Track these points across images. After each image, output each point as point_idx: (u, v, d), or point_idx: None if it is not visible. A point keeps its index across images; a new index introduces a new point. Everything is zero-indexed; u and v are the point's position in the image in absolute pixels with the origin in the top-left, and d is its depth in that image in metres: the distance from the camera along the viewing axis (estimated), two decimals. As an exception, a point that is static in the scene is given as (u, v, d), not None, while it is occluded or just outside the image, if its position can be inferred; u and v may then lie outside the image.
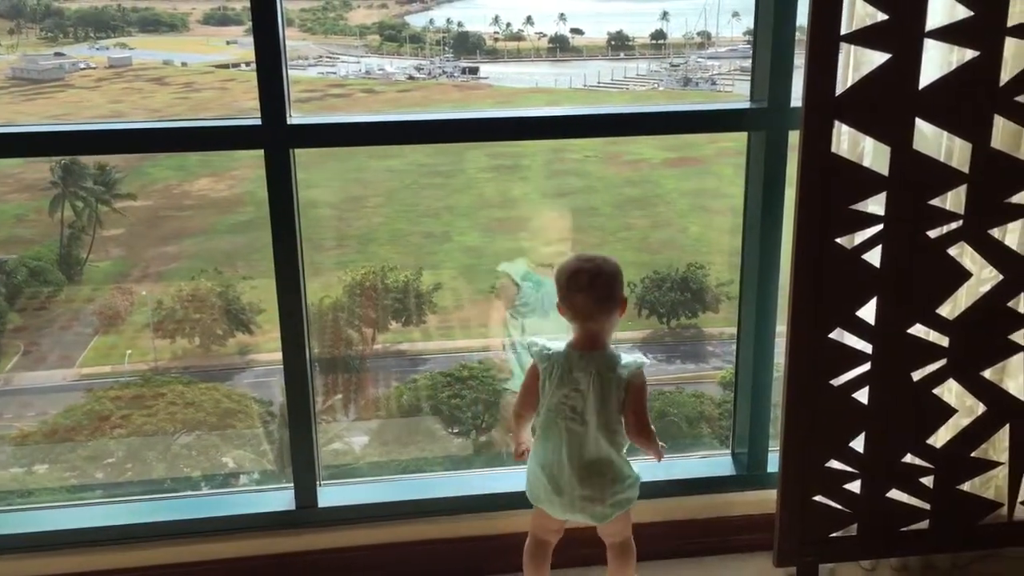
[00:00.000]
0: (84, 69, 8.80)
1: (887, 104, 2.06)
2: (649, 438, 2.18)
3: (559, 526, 2.27)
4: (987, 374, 2.29)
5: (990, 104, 2.09)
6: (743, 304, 2.49)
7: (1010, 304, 2.23)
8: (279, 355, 2.36)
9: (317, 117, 2.29)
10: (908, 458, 2.31)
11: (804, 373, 2.20)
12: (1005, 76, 2.09)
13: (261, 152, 2.19)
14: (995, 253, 2.19)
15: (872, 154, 2.16)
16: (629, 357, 2.17)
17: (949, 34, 2.05)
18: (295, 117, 2.20)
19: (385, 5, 9.48)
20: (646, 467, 2.30)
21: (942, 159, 2.15)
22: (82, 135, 2.28)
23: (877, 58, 2.04)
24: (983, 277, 2.24)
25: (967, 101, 2.08)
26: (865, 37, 2.04)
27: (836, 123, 2.08)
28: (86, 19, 8.95)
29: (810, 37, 2.01)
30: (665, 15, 9.29)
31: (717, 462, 2.62)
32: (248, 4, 2.08)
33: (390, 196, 8.64)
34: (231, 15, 8.84)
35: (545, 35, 9.43)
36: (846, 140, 2.15)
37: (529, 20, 9.39)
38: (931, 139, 2.15)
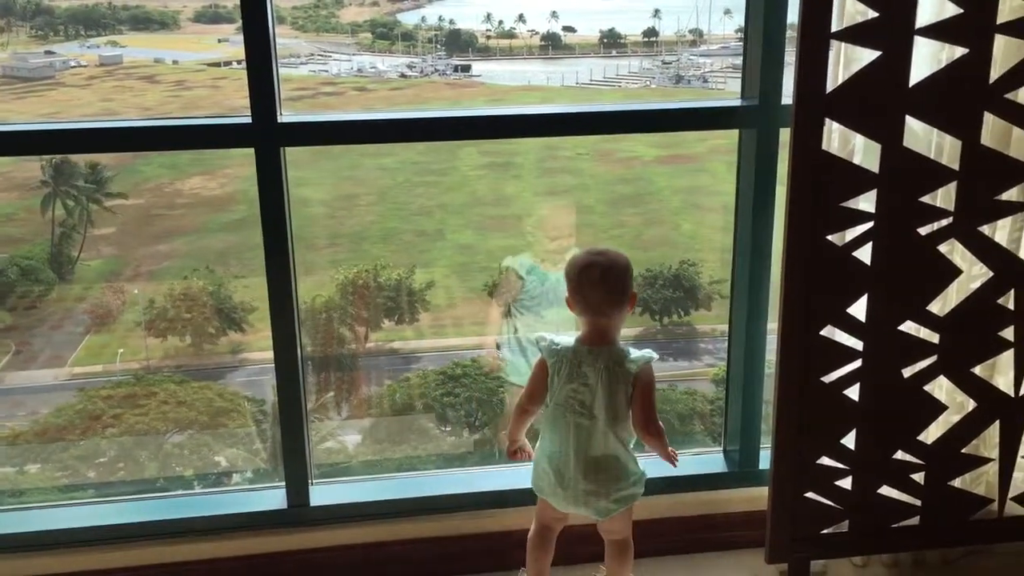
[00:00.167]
0: (75, 67, 8.77)
1: (877, 101, 2.06)
2: (655, 434, 2.18)
3: (563, 515, 2.28)
4: (977, 370, 2.30)
5: (980, 101, 2.10)
6: (735, 301, 2.49)
7: (1000, 301, 2.24)
8: (271, 354, 2.36)
9: (308, 115, 2.28)
10: (899, 454, 2.32)
11: (795, 370, 2.20)
12: (995, 73, 2.09)
13: (252, 150, 2.18)
14: (985, 250, 2.20)
15: (863, 151, 2.17)
16: (638, 352, 2.18)
17: (939, 31, 2.05)
18: (286, 115, 2.19)
19: (377, 3, 9.47)
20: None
21: (932, 156, 2.16)
22: (72, 133, 2.27)
23: (867, 55, 2.05)
24: (973, 274, 2.25)
25: (957, 98, 2.09)
26: (855, 34, 2.05)
27: (827, 120, 2.08)
28: (76, 17, 8.92)
29: (801, 34, 2.01)
30: (657, 13, 9.29)
31: (709, 459, 2.62)
32: (239, 2, 2.07)
33: (383, 194, 8.63)
34: (222, 13, 8.81)
35: (537, 33, 9.43)
36: (837, 137, 2.15)
37: (521, 18, 9.38)
38: (921, 136, 2.16)
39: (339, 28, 9.44)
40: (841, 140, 2.16)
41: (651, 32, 9.37)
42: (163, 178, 8.39)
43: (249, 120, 2.16)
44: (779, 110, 2.28)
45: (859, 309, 2.20)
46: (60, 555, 2.37)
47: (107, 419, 6.63)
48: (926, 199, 2.15)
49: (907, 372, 2.25)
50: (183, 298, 7.59)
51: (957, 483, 2.38)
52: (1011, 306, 2.24)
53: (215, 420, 6.77)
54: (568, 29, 9.52)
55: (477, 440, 7.08)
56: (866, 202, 2.16)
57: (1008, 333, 2.26)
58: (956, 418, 2.32)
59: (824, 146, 2.10)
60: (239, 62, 2.15)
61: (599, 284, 2.12)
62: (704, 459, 2.63)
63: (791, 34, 2.20)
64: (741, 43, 2.37)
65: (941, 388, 2.32)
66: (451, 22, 9.31)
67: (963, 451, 2.34)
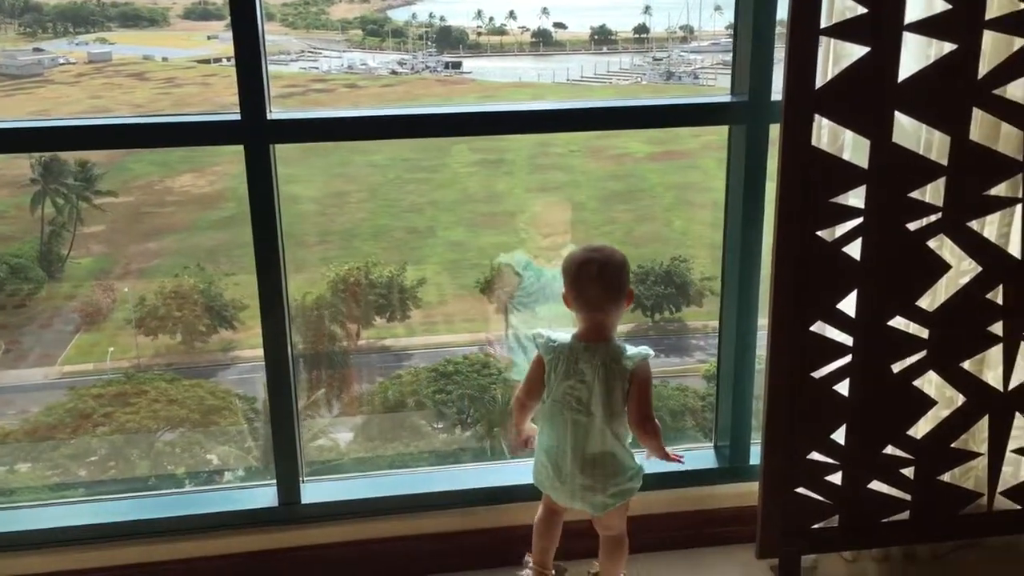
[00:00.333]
0: (63, 64, 8.73)
1: (866, 97, 2.07)
2: (651, 432, 2.18)
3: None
4: (967, 365, 2.31)
5: (968, 97, 2.10)
6: (725, 297, 2.50)
7: (989, 296, 2.25)
8: (263, 351, 2.35)
9: (297, 112, 2.28)
10: (889, 449, 2.33)
11: (785, 366, 2.21)
12: (983, 69, 2.10)
13: (242, 147, 2.18)
14: (974, 245, 2.21)
15: (852, 147, 2.17)
16: (634, 349, 2.18)
17: (927, 27, 2.06)
18: (275, 112, 2.19)
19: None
20: (630, 461, 2.30)
21: (921, 152, 2.16)
22: (60, 131, 2.26)
23: (856, 52, 2.05)
24: (962, 269, 2.26)
25: (946, 94, 2.09)
26: (844, 31, 2.05)
27: (816, 116, 2.09)
28: (65, 14, 8.88)
29: (790, 31, 2.02)
30: (648, 9, 9.29)
31: (700, 455, 2.62)
32: (228, -2, 2.06)
33: (373, 191, 8.62)
34: (212, 10, 8.77)
35: (528, 29, 9.42)
36: (826, 133, 2.16)
37: (512, 14, 9.37)
38: (910, 132, 2.16)
39: (329, 25, 9.41)
40: (830, 136, 2.17)
41: (642, 28, 9.37)
42: (153, 176, 8.36)
43: (238, 117, 2.15)
44: (769, 106, 2.28)
45: (849, 305, 2.21)
46: (49, 554, 2.36)
47: (98, 418, 6.61)
48: (915, 195, 2.16)
49: (897, 367, 2.26)
50: (174, 296, 7.56)
51: (946, 478, 2.39)
52: (1000, 301, 2.25)
53: (206, 418, 6.75)
54: (559, 26, 9.51)
55: (469, 436, 7.08)
56: (855, 198, 2.16)
57: (997, 328, 2.27)
58: (945, 413, 2.33)
59: (813, 142, 2.10)
60: (229, 59, 2.14)
61: (596, 280, 2.13)
62: (695, 455, 2.63)
63: (781, 30, 2.20)
64: (731, 39, 2.37)
65: (930, 383, 2.33)
66: (442, 19, 9.30)
67: (952, 446, 2.35)
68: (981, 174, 2.16)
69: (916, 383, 2.28)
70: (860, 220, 2.15)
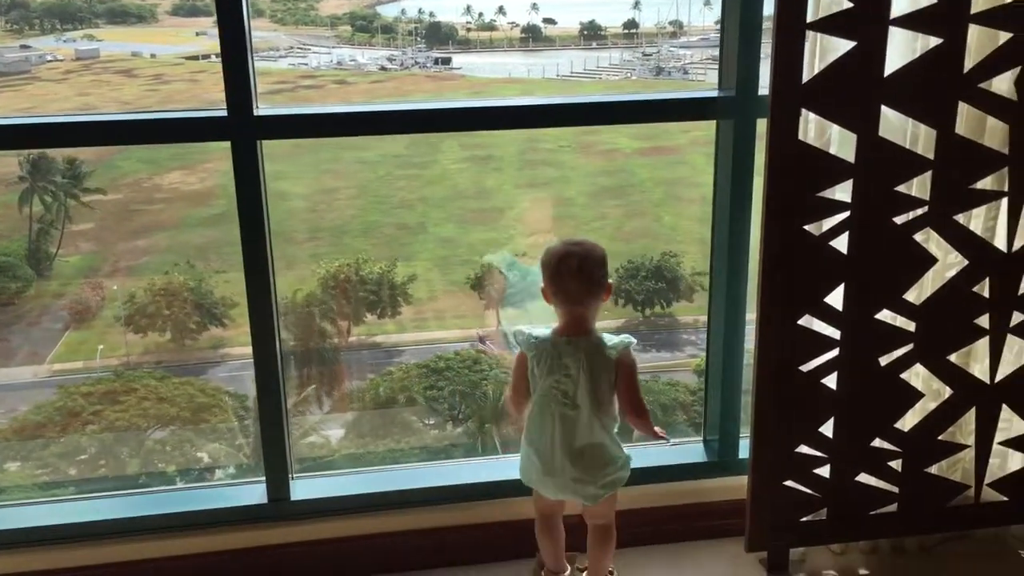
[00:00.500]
0: (51, 61, 8.69)
1: (853, 92, 2.07)
2: (643, 416, 2.20)
3: (560, 501, 2.30)
4: (953, 358, 2.31)
5: (954, 91, 2.11)
6: (713, 292, 2.50)
7: (975, 289, 2.25)
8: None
9: (284, 108, 2.27)
10: (877, 442, 2.34)
11: (773, 359, 2.22)
12: (969, 63, 2.10)
13: (229, 144, 2.17)
14: (960, 238, 2.22)
15: (838, 141, 2.18)
16: (615, 338, 2.19)
17: (913, 21, 2.06)
18: (262, 108, 2.18)
19: (356, -5, 9.44)
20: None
21: (907, 146, 2.17)
22: (46, 128, 2.25)
23: (843, 46, 2.05)
24: (948, 262, 2.26)
25: (931, 88, 2.10)
26: (830, 25, 2.05)
27: (803, 111, 2.09)
28: (52, 11, 8.83)
29: (776, 25, 2.02)
30: (637, 4, 9.30)
31: (689, 449, 2.63)
32: (214, -7, 2.05)
33: (363, 188, 8.62)
34: (200, 6, 8.75)
35: (517, 25, 9.43)
36: (813, 128, 2.16)
37: (501, 10, 9.37)
38: (896, 126, 2.17)
39: (318, 21, 9.40)
40: (817, 130, 2.17)
41: (631, 24, 9.39)
42: (142, 173, 8.34)
43: (225, 113, 2.14)
44: (756, 101, 2.28)
45: (836, 298, 2.21)
46: (38, 552, 2.35)
47: (87, 416, 6.59)
48: (901, 188, 2.16)
49: (884, 360, 2.27)
50: (163, 293, 7.55)
51: (934, 470, 2.40)
52: (986, 294, 2.26)
53: (197, 416, 6.75)
54: (548, 21, 9.52)
55: (460, 433, 7.08)
56: (842, 192, 2.17)
57: (983, 321, 2.28)
58: (932, 405, 2.34)
59: (800, 136, 2.11)
60: (218, 55, 2.13)
61: (577, 274, 2.13)
62: (684, 449, 2.63)
63: (768, 26, 2.20)
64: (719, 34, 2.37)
65: (917, 376, 2.34)
66: (431, 14, 9.29)
67: (939, 438, 2.36)
68: (967, 168, 2.17)
69: (903, 376, 2.29)
70: (847, 214, 2.15)
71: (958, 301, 2.26)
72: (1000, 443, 2.40)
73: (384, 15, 9.35)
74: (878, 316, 2.24)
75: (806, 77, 2.07)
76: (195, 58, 8.64)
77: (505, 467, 2.49)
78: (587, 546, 2.33)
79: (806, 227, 2.15)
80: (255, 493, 2.44)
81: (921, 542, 2.52)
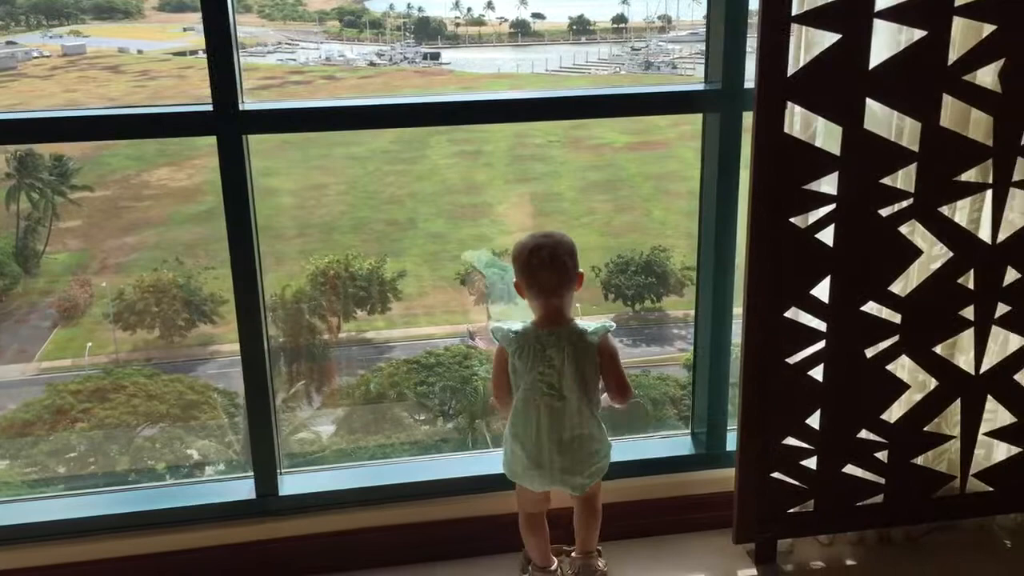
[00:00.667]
0: (37, 58, 8.64)
1: (838, 84, 2.08)
2: (628, 395, 2.25)
3: (544, 496, 2.31)
4: (939, 350, 2.33)
5: (939, 83, 2.12)
6: (701, 285, 2.51)
7: (960, 280, 2.27)
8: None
9: (270, 103, 2.26)
10: (863, 434, 2.35)
11: (760, 352, 2.22)
12: (953, 55, 2.11)
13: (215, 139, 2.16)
14: (945, 230, 2.23)
15: (824, 134, 2.18)
16: (594, 325, 2.22)
17: (898, 14, 2.07)
18: (248, 103, 2.17)
19: (344, -10, 9.41)
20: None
21: (892, 138, 2.18)
22: (30, 123, 2.23)
23: (828, 39, 2.06)
24: (934, 254, 2.27)
25: (916, 81, 2.11)
26: (815, 17, 2.06)
27: (788, 104, 2.10)
28: (39, 7, 8.78)
29: (761, 18, 2.02)
30: (626, -1, 9.30)
31: (677, 442, 2.64)
32: (199, -13, 2.04)
33: (353, 184, 8.61)
34: (187, 1, 8.71)
35: (506, 20, 9.41)
36: (798, 121, 2.17)
37: (490, 5, 9.36)
38: (881, 118, 2.18)
39: (306, 16, 9.37)
40: (803, 123, 2.17)
41: (620, 18, 9.39)
42: (129, 169, 8.31)
43: (211, 108, 2.13)
44: (742, 94, 2.29)
45: (822, 291, 2.22)
46: (27, 549, 2.34)
47: (76, 414, 6.57)
48: (887, 181, 2.17)
49: (870, 352, 2.28)
50: (152, 290, 7.53)
51: (920, 461, 2.41)
52: (971, 286, 2.27)
53: (186, 413, 6.73)
54: (537, 16, 9.51)
55: (451, 428, 7.08)
56: (828, 184, 2.18)
57: (968, 312, 2.29)
58: (918, 397, 2.35)
59: (786, 129, 2.11)
60: (205, 51, 2.12)
61: (549, 265, 2.15)
62: (672, 442, 2.64)
63: (754, 20, 2.20)
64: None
65: (903, 367, 2.35)
66: (420, 9, 9.27)
67: (925, 429, 2.37)
68: (951, 160, 2.18)
69: (889, 368, 2.30)
70: (833, 207, 2.16)
71: (943, 293, 2.27)
72: (985, 434, 2.41)
73: (372, 10, 9.32)
74: (864, 308, 2.25)
75: (791, 70, 2.07)
76: (182, 54, 8.60)
77: (492, 461, 2.50)
78: (574, 522, 2.35)
79: (792, 220, 2.16)
80: (243, 489, 2.44)
81: (907, 532, 2.54)
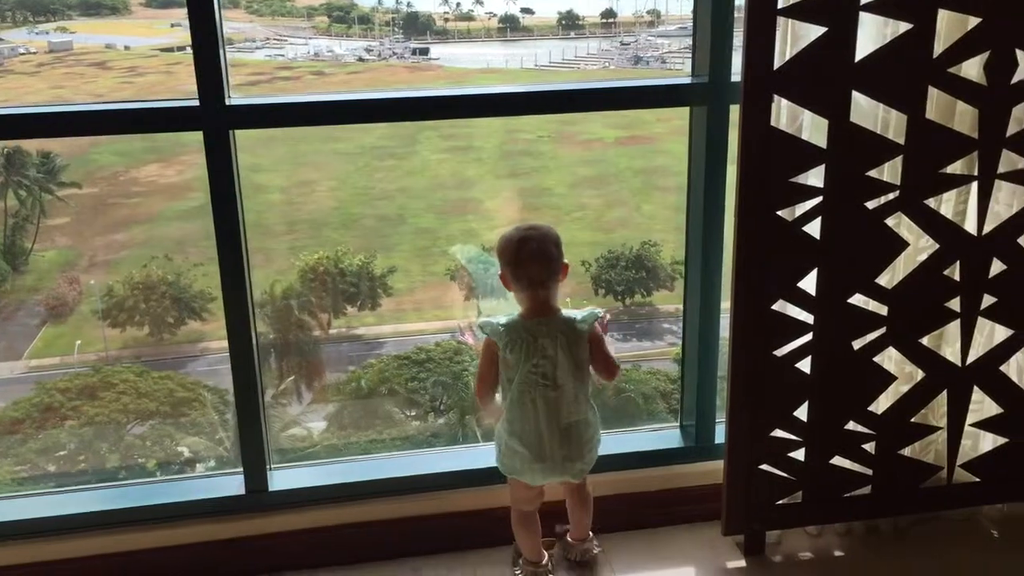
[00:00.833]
0: (23, 54, 8.59)
1: (824, 77, 2.08)
2: (617, 372, 2.30)
3: (538, 492, 2.31)
4: (925, 341, 2.34)
5: (924, 76, 2.12)
6: (689, 278, 2.51)
7: (946, 272, 2.28)
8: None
9: (257, 98, 2.25)
10: (850, 425, 2.36)
11: (747, 344, 2.23)
12: (939, 48, 2.12)
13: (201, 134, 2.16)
14: (931, 223, 2.24)
15: (810, 127, 2.19)
16: (582, 313, 2.24)
17: (883, 7, 2.07)
18: (235, 98, 2.16)
19: (333, -14, 9.38)
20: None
21: (878, 131, 2.18)
22: (14, 119, 2.22)
23: (814, 32, 2.06)
24: (920, 246, 2.28)
25: (902, 73, 2.11)
26: (801, 11, 2.06)
27: (775, 97, 2.10)
28: (24, 3, 8.72)
29: (747, 11, 2.02)
30: (615, -7, 9.30)
31: (666, 435, 2.64)
32: (185, -19, 2.04)
33: (343, 179, 8.59)
34: (174, -3, 8.67)
35: (495, 15, 9.40)
36: (785, 114, 2.17)
37: (479, 0, 9.34)
38: (867, 111, 2.18)
39: (294, 12, 9.33)
40: (789, 116, 2.18)
41: (609, 13, 9.38)
42: (118, 166, 8.27)
43: (197, 103, 2.13)
44: (729, 87, 2.29)
45: (809, 283, 2.23)
46: (14, 547, 2.33)
47: (65, 411, 6.55)
48: (873, 173, 2.18)
49: (857, 344, 2.29)
50: (141, 287, 7.50)
51: (907, 452, 2.42)
52: (957, 277, 2.28)
53: (177, 410, 6.72)
54: (526, 11, 9.49)
55: (442, 424, 7.09)
56: (815, 177, 2.18)
57: (954, 304, 2.30)
58: (905, 388, 2.36)
59: (772, 122, 2.12)
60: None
61: (538, 256, 2.16)
62: (661, 435, 2.65)
63: (740, 15, 2.21)
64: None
65: (890, 359, 2.36)
66: (408, 4, 9.24)
67: (912, 420, 2.38)
68: (937, 152, 2.18)
69: (876, 359, 2.31)
70: (819, 199, 2.17)
71: (929, 285, 2.28)
72: (972, 425, 2.43)
73: (361, 5, 9.29)
74: (851, 300, 2.26)
75: (778, 63, 2.08)
76: (170, 50, 8.55)
77: (480, 455, 2.50)
78: (568, 511, 2.38)
79: (779, 212, 2.17)
80: (233, 484, 2.44)
81: (895, 523, 2.55)
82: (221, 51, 2.11)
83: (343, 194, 8.52)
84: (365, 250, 7.91)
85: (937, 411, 2.44)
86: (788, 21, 2.10)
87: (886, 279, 2.28)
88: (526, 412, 2.20)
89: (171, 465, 6.38)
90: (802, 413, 2.32)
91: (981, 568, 2.42)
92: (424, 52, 9.19)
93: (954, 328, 2.34)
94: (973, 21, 2.11)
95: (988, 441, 2.48)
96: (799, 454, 2.35)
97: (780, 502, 2.40)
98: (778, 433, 2.33)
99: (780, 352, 2.26)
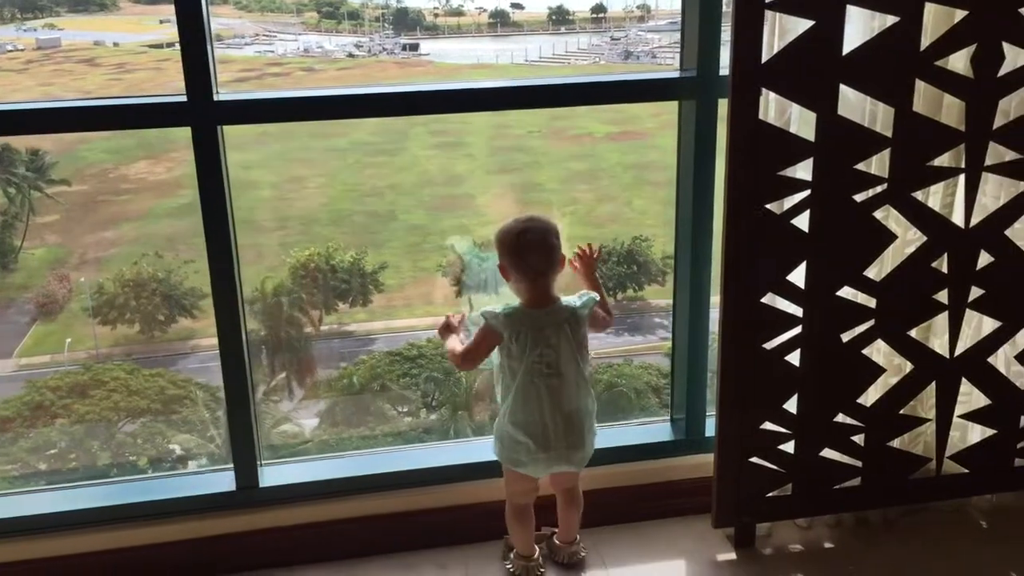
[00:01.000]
0: (11, 51, 8.54)
1: (812, 71, 2.09)
2: (611, 321, 2.35)
3: (535, 485, 2.32)
4: (913, 333, 2.35)
5: (911, 69, 2.13)
6: (678, 272, 2.52)
7: (934, 265, 2.29)
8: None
9: (245, 93, 2.25)
10: (840, 417, 2.37)
11: (737, 337, 2.24)
12: (925, 41, 2.13)
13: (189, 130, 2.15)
14: (919, 215, 2.25)
15: (799, 120, 2.19)
16: (580, 299, 2.26)
17: (871, 0, 2.08)
18: (223, 93, 2.16)
19: (322, -19, 9.35)
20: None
21: (866, 124, 2.19)
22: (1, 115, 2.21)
23: (802, 25, 2.07)
24: (908, 239, 2.29)
25: (889, 67, 2.12)
26: (789, 4, 2.06)
27: (763, 90, 2.11)
28: (12, 0, 8.68)
29: (736, 5, 2.03)
30: (605, -12, 9.30)
31: (656, 428, 2.65)
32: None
33: (333, 176, 8.57)
34: (163, -7, 8.63)
35: (485, 10, 9.38)
36: (773, 107, 2.18)
37: (469, -5, 9.33)
38: (855, 104, 2.19)
39: (284, 8, 9.30)
40: (777, 110, 2.18)
41: (599, 8, 9.38)
42: (107, 163, 8.24)
43: (185, 99, 2.12)
44: (717, 81, 2.29)
45: (798, 276, 2.24)
46: (6, 544, 2.33)
47: (56, 410, 6.53)
48: (861, 166, 2.19)
49: (846, 336, 2.30)
50: (132, 285, 7.48)
51: (896, 444, 2.44)
52: (945, 270, 2.29)
53: (168, 408, 6.70)
54: (516, 6, 9.48)
55: (435, 419, 7.09)
56: (803, 170, 2.19)
57: (942, 296, 2.31)
58: (894, 380, 2.37)
59: (761, 116, 2.12)
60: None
61: (539, 246, 2.17)
62: (651, 428, 2.66)
63: (728, 9, 2.21)
64: (683, 16, 2.37)
65: (879, 351, 2.37)
66: (398, 0, 9.23)
67: (901, 412, 2.40)
68: (925, 145, 2.19)
69: (865, 352, 2.32)
70: (808, 192, 2.17)
71: (918, 277, 2.29)
72: (960, 416, 2.44)
73: (351, 1, 9.27)
74: (839, 293, 2.27)
75: (765, 57, 2.08)
76: (159, 46, 8.52)
77: (472, 449, 2.51)
78: (558, 512, 2.38)
79: (768, 206, 2.17)
80: (224, 481, 2.43)
81: (884, 514, 2.56)
82: (209, 47, 2.10)
83: (333, 190, 8.51)
84: (356, 246, 7.90)
85: (926, 403, 2.45)
86: (776, 15, 2.11)
87: (874, 272, 2.29)
88: (530, 402, 2.20)
89: (163, 462, 6.37)
90: (792, 406, 2.33)
91: (970, 558, 2.44)
92: (414, 48, 9.17)
93: (942, 320, 2.35)
94: (960, 14, 2.12)
95: (976, 432, 2.49)
96: (789, 446, 2.36)
97: (770, 495, 2.41)
98: (768, 426, 2.34)
99: (770, 345, 2.27)
